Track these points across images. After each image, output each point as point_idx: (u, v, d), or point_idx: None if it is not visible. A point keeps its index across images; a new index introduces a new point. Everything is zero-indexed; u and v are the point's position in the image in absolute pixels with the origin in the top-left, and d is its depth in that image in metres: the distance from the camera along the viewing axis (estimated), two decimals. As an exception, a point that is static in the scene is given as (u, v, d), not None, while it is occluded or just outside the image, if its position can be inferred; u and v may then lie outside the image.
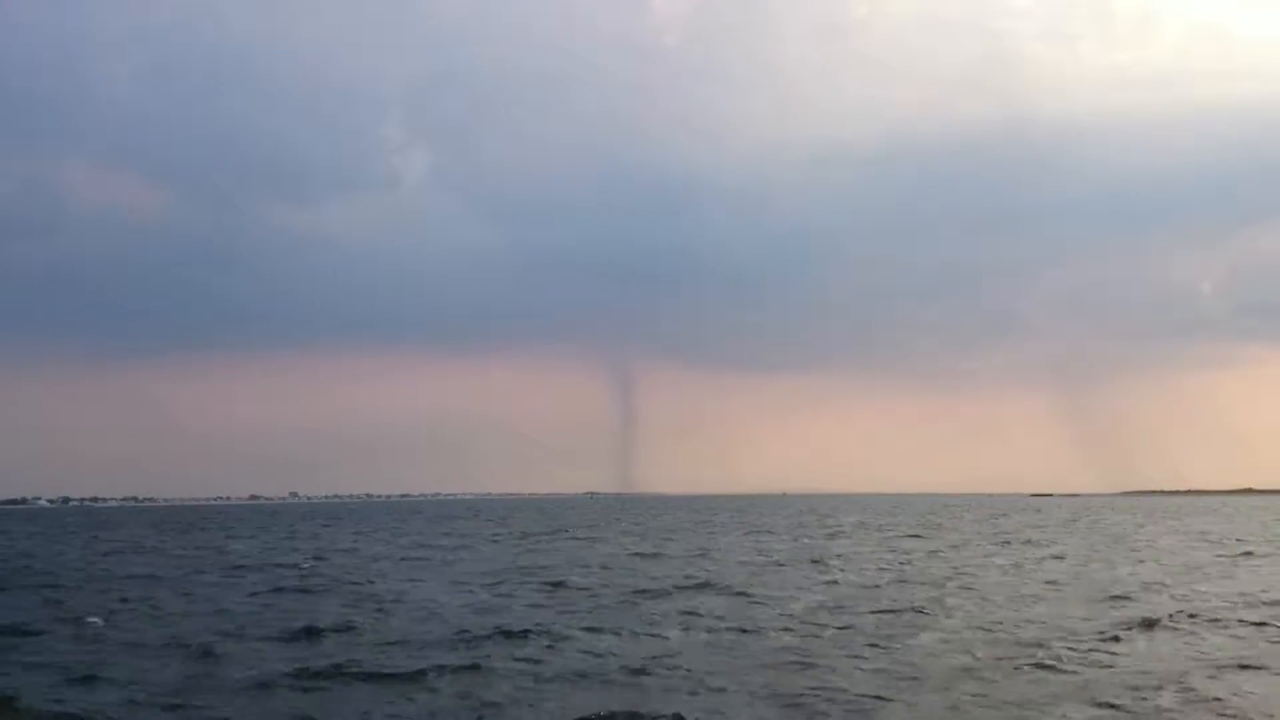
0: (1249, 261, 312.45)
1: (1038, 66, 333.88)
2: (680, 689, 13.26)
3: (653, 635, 17.42)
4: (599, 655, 15.59)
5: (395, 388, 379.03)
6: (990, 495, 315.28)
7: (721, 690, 13.19)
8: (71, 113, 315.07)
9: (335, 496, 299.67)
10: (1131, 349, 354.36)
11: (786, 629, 18.08)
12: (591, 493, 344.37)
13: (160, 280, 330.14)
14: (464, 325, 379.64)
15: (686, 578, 27.78)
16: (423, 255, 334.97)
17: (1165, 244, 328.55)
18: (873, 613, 19.95)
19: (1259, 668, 14.39)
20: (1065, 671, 14.11)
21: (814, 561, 34.25)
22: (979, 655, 15.25)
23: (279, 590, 25.73)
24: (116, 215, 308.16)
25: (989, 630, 17.64)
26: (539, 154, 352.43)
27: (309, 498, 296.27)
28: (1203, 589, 24.39)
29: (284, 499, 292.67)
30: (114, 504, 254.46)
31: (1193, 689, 12.99)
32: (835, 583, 26.53)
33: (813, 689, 13.07)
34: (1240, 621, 18.51)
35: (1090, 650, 15.59)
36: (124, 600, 23.61)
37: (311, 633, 17.85)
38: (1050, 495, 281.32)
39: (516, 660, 15.16)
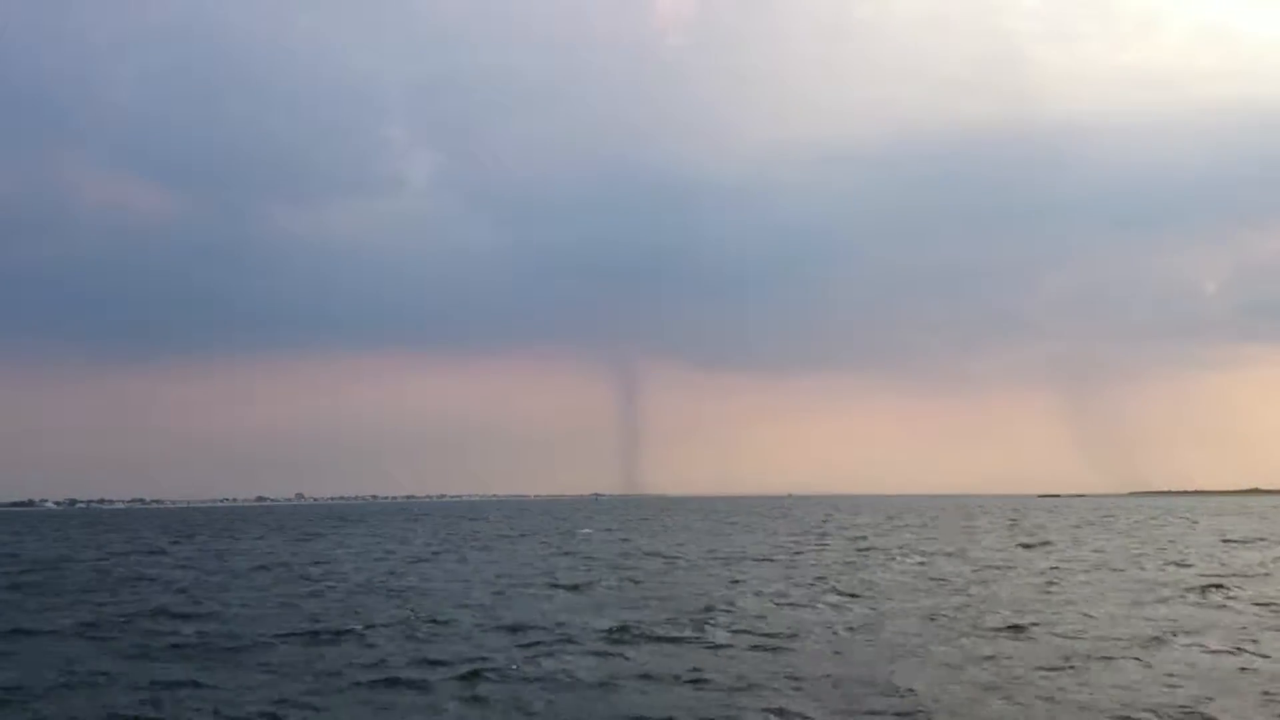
0: (1254, 262, 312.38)
1: (1042, 66, 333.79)
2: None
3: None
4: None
5: (399, 389, 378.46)
6: (997, 496, 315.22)
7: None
8: (76, 114, 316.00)
9: (341, 498, 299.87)
10: (1137, 349, 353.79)
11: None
12: (597, 494, 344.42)
13: (166, 282, 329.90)
14: (469, 326, 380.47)
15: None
16: (426, 256, 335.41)
17: (1170, 244, 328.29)
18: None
19: None
20: None
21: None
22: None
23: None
24: (122, 217, 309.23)
25: None
26: (543, 155, 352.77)
27: (315, 499, 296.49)
28: None
29: (290, 500, 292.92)
30: (120, 506, 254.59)
31: None
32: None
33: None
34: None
35: None
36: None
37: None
38: (1057, 495, 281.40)
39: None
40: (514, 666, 14.93)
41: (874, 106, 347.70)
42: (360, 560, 38.07)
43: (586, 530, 66.12)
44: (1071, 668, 14.50)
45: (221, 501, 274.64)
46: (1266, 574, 28.90)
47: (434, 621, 19.56)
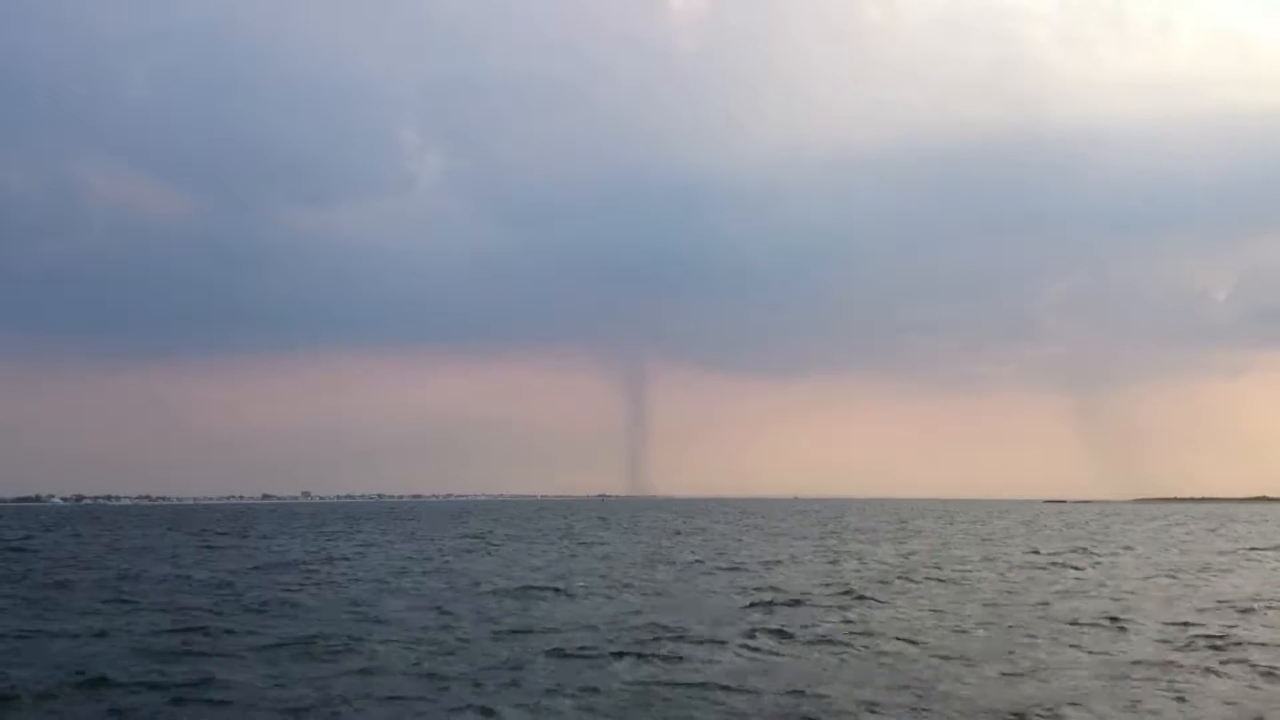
0: (1265, 268, 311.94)
1: (1053, 71, 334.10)
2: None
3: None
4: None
5: (407, 388, 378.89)
6: (1003, 501, 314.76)
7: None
8: (88, 113, 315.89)
9: (348, 497, 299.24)
10: (1146, 355, 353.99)
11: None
12: (603, 494, 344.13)
13: (174, 280, 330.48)
14: (477, 327, 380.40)
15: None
16: (436, 257, 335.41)
17: (1179, 249, 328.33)
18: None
19: None
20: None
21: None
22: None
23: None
24: (132, 215, 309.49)
25: None
26: (553, 156, 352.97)
27: (321, 498, 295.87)
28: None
29: (296, 499, 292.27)
30: (127, 502, 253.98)
31: None
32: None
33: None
34: None
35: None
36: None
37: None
38: (1064, 501, 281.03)
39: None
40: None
41: (884, 110, 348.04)
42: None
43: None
44: None
45: (228, 499, 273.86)
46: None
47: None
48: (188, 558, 39.62)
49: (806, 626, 19.10)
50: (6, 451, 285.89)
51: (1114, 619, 20.34)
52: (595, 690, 13.66)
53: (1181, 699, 13.38)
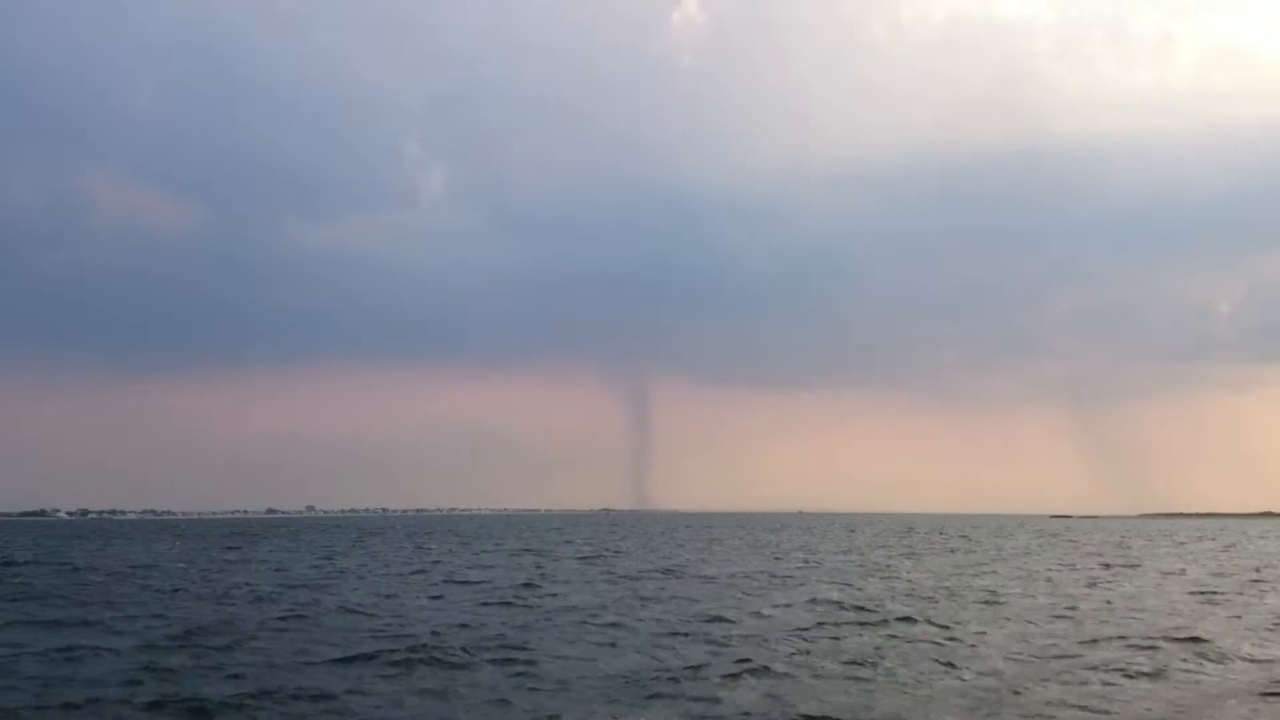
0: (1268, 283, 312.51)
1: (1055, 87, 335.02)
2: None
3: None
4: None
5: (410, 402, 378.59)
6: (1008, 515, 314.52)
7: None
8: (91, 125, 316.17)
9: (352, 511, 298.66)
10: (1150, 370, 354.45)
11: None
12: (607, 508, 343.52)
13: (179, 294, 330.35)
14: (481, 340, 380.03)
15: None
16: (440, 271, 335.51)
17: (1184, 265, 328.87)
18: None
19: None
20: None
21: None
22: None
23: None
24: (137, 229, 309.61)
25: None
26: (556, 170, 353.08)
27: (325, 512, 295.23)
28: None
29: (300, 513, 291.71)
30: (133, 517, 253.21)
31: None
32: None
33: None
34: None
35: None
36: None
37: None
38: (1069, 516, 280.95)
39: None
40: None
41: (886, 126, 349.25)
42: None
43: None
44: None
45: (233, 514, 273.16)
46: None
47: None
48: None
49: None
50: (11, 465, 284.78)
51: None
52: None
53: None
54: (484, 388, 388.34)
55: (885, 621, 22.87)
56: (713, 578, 36.43)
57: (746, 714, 13.80)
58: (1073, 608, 26.72)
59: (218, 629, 21.48)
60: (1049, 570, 42.65)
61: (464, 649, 18.60)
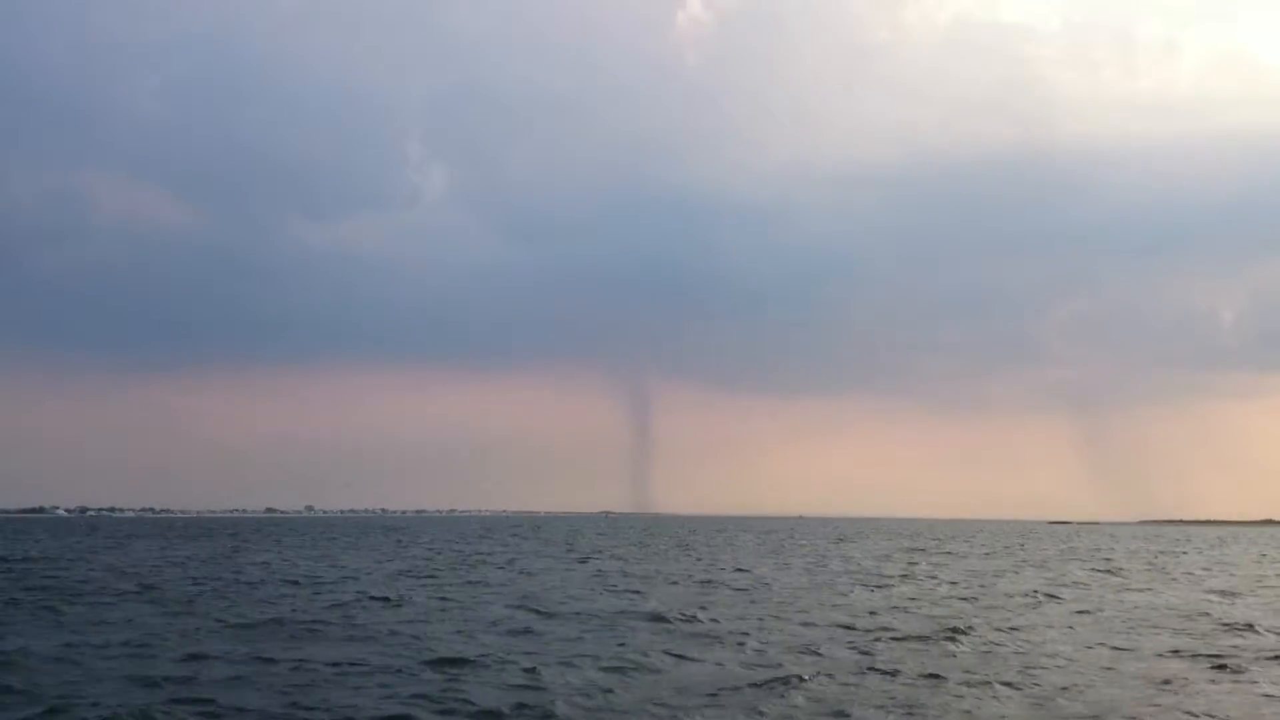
0: (1272, 290, 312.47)
1: (1059, 91, 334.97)
2: None
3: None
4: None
5: (410, 402, 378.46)
6: (1007, 521, 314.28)
7: None
8: (91, 121, 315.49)
9: (351, 511, 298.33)
10: (1151, 377, 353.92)
11: None
12: (607, 511, 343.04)
13: (179, 292, 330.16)
14: (480, 341, 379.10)
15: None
16: (440, 270, 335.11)
17: (1187, 271, 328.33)
18: None
19: None
20: None
21: None
22: None
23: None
24: (137, 227, 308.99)
25: None
26: (558, 171, 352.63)
27: (324, 511, 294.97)
28: None
29: (299, 513, 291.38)
30: (131, 514, 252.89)
31: None
32: None
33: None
34: None
35: None
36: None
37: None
38: (1068, 522, 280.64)
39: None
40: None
41: (891, 128, 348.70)
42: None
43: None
44: None
45: (232, 512, 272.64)
46: None
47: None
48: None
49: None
50: (10, 462, 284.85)
51: None
52: None
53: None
54: (485, 389, 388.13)
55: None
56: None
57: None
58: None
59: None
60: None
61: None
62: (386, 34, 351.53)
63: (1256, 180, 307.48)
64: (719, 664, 17.36)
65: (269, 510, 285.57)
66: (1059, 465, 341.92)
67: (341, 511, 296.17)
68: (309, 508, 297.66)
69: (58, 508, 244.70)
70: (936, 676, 16.21)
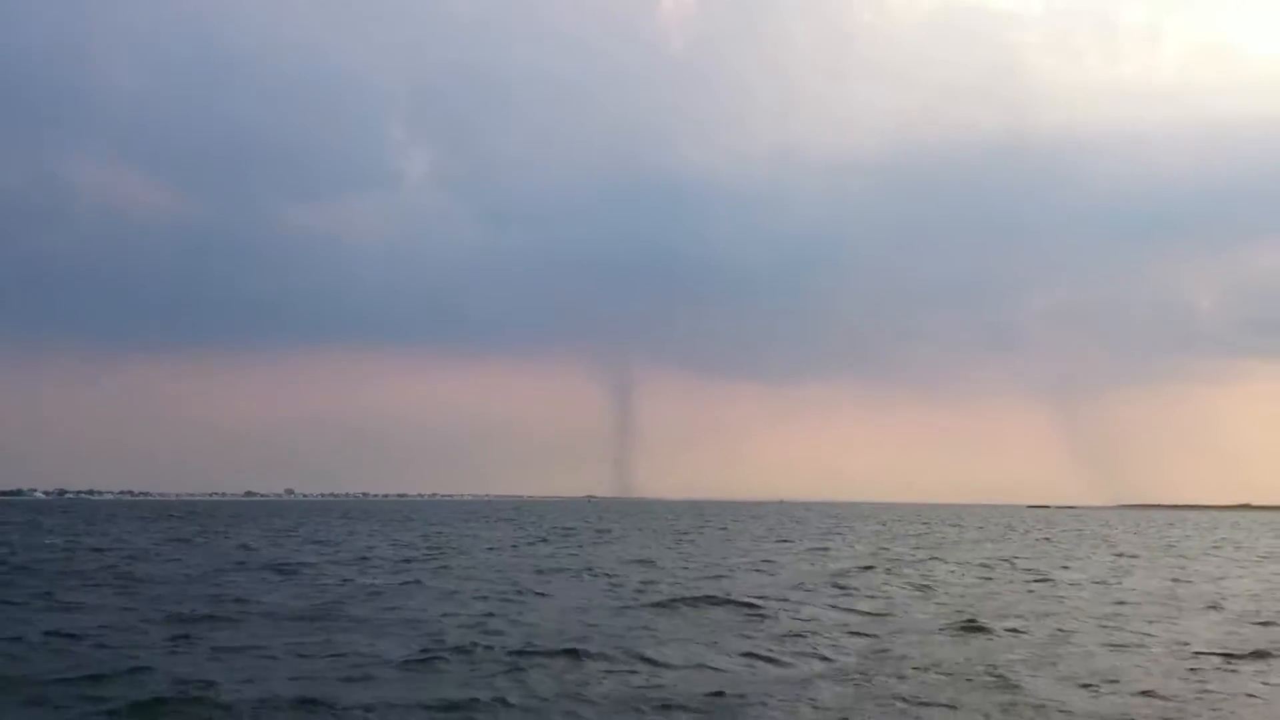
0: (1250, 277, 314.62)
1: (1042, 77, 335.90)
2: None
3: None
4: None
5: (393, 386, 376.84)
6: (986, 506, 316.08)
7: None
8: (71, 103, 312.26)
9: (331, 495, 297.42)
10: (1131, 363, 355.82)
11: None
12: (590, 496, 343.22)
13: (159, 275, 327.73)
14: (464, 325, 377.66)
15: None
16: (425, 254, 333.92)
17: (1167, 258, 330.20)
18: None
19: None
20: None
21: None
22: None
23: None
24: (118, 208, 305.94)
25: None
26: (545, 154, 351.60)
27: (305, 495, 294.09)
28: None
29: (279, 496, 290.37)
30: (109, 497, 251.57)
31: None
32: None
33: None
34: None
35: None
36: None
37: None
38: (1047, 507, 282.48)
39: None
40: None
41: (875, 113, 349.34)
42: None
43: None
44: None
45: (211, 495, 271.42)
46: None
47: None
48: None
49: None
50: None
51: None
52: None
53: None
54: (469, 373, 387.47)
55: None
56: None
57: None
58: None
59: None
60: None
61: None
62: (370, 14, 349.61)
63: (1235, 168, 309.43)
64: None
65: (248, 493, 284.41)
66: (1038, 450, 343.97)
67: (322, 495, 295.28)
68: (289, 491, 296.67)
69: (35, 490, 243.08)
70: None
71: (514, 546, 42.99)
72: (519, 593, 22.85)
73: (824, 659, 14.54)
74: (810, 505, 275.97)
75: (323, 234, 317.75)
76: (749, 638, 16.41)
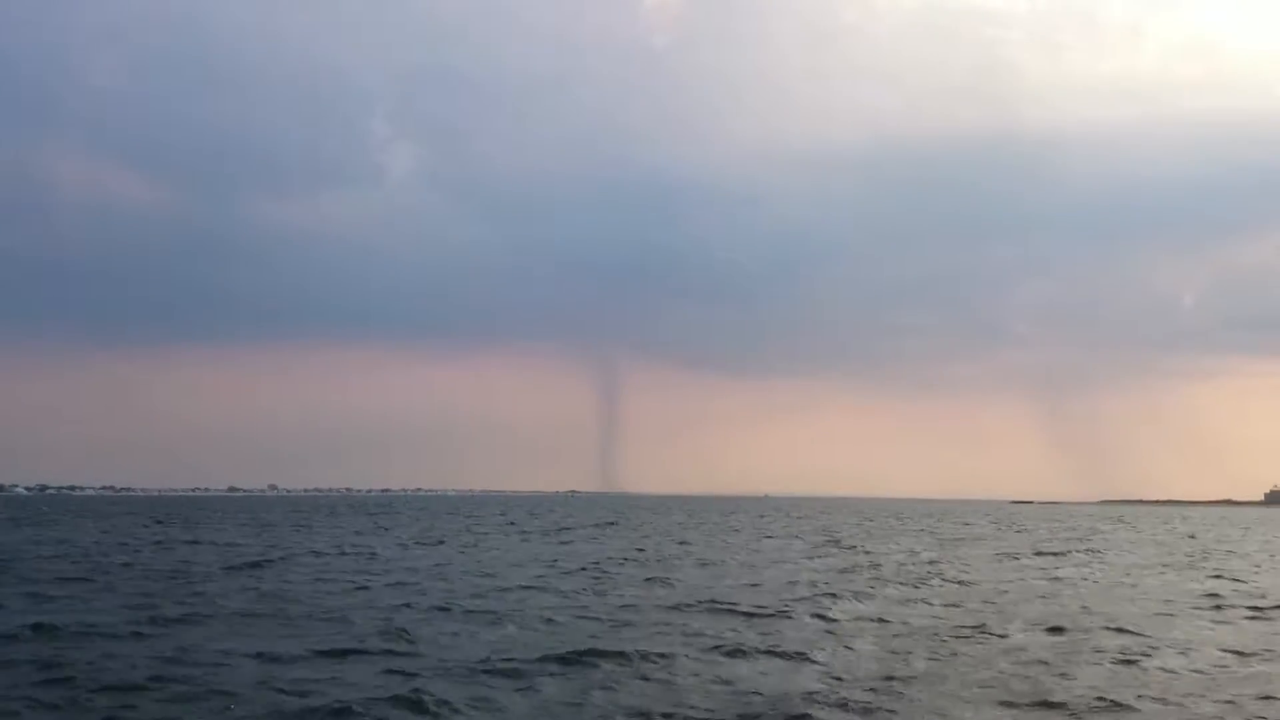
0: (1232, 273, 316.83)
1: (1025, 75, 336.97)
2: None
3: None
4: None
5: (376, 382, 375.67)
6: (969, 501, 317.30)
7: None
8: (54, 99, 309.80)
9: (315, 490, 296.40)
10: (1114, 359, 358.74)
11: None
12: (573, 491, 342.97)
13: (141, 270, 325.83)
14: (448, 321, 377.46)
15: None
16: (410, 250, 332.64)
17: (1149, 255, 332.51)
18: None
19: None
20: None
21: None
22: None
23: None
24: (100, 204, 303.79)
25: None
26: (528, 151, 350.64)
27: (288, 490, 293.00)
28: None
29: (262, 491, 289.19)
30: (91, 493, 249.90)
31: None
32: None
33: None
34: None
35: None
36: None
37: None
38: (1030, 502, 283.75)
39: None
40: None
41: (858, 111, 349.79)
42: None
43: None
44: None
45: (193, 491, 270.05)
46: None
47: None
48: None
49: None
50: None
51: None
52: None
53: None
54: (452, 369, 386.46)
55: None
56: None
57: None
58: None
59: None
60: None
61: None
62: (355, 12, 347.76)
63: (1217, 164, 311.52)
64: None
65: (231, 489, 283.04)
66: (1022, 447, 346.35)
67: (305, 491, 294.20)
68: (273, 486, 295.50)
69: (16, 486, 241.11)
70: None
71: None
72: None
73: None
74: (794, 500, 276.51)
75: (304, 230, 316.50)
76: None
